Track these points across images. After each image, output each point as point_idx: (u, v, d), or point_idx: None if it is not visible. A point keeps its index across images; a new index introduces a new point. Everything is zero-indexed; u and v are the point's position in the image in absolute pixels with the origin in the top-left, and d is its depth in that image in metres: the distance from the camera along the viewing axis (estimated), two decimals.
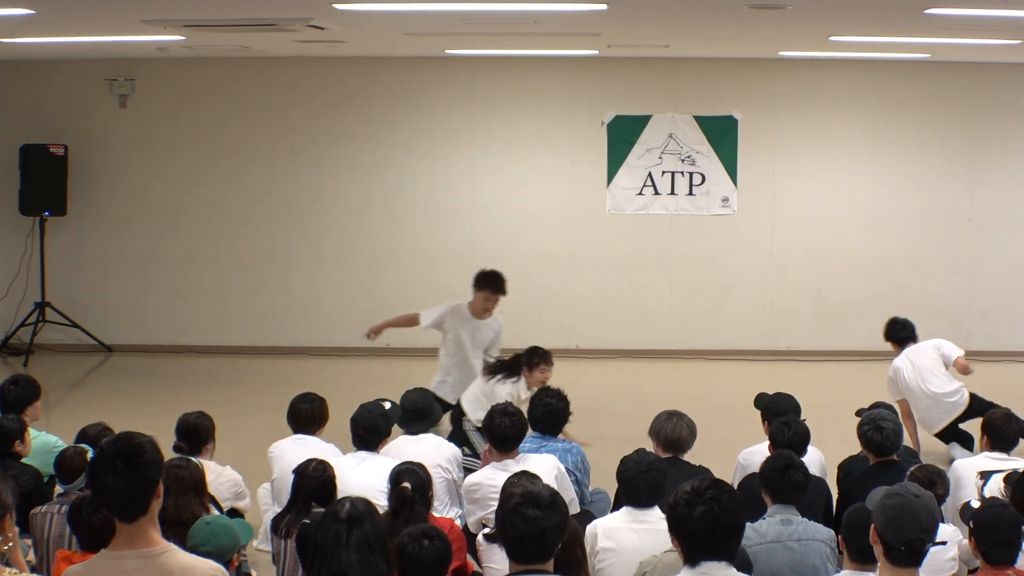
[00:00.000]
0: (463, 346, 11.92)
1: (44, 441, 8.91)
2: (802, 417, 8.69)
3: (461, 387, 11.73)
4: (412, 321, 12.25)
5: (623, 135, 17.13)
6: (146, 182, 17.46)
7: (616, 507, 7.64)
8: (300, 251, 17.48)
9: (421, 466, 7.42)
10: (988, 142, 17.14)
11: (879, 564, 5.29)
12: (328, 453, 8.55)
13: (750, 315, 17.42)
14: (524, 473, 6.33)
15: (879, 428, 8.23)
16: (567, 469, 8.42)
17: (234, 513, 8.32)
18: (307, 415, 9.16)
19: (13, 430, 8.38)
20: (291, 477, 7.72)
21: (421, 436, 9.21)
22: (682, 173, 17.19)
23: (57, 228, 17.26)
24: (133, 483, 4.55)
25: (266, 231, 17.47)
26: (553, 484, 6.64)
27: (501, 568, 6.39)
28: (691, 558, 5.18)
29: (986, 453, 8.55)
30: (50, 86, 17.44)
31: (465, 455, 9.77)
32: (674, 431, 8.46)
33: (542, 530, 5.11)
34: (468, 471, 9.01)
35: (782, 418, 8.40)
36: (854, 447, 8.74)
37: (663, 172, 17.18)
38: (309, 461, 7.71)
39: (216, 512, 7.47)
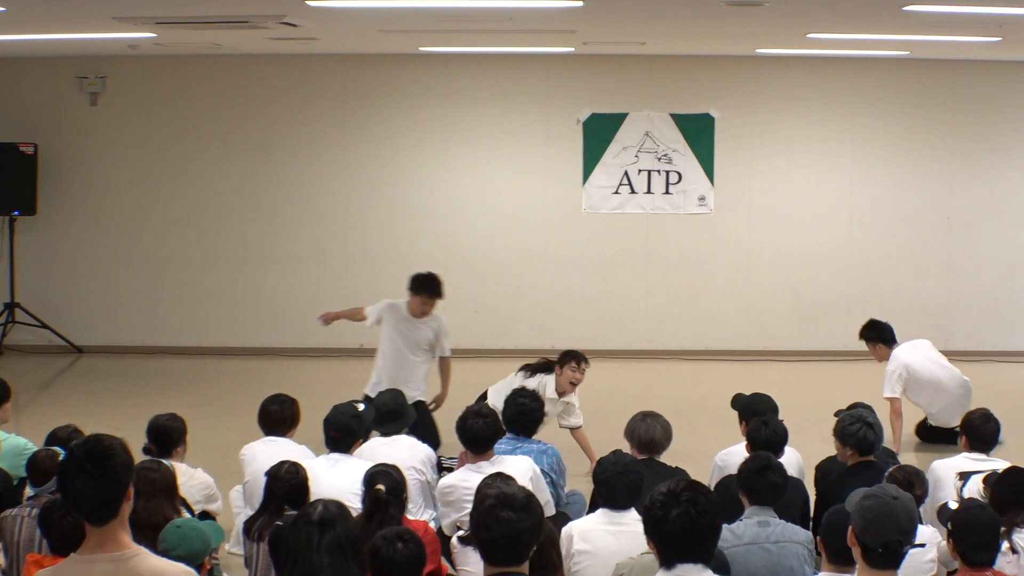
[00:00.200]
0: (398, 345, 11.77)
1: (14, 444, 8.81)
2: (779, 418, 8.64)
3: (392, 385, 11.62)
4: (358, 314, 12.14)
5: (599, 133, 17.08)
6: (117, 181, 17.36)
7: (592, 509, 7.59)
8: (273, 251, 17.40)
9: (395, 468, 7.36)
10: (967, 140, 17.14)
11: (857, 566, 5.24)
12: (300, 455, 8.49)
13: (727, 315, 17.39)
14: (499, 475, 6.34)
15: (869, 424, 8.22)
16: (542, 471, 8.39)
17: (206, 516, 8.25)
18: (277, 416, 9.07)
19: None
20: (263, 479, 7.64)
21: (394, 438, 9.14)
22: (658, 172, 17.14)
23: (27, 228, 17.15)
24: (103, 486, 4.50)
25: (239, 231, 17.39)
26: (528, 486, 6.57)
27: (475, 571, 6.34)
28: (667, 560, 5.12)
29: (965, 454, 8.52)
30: (20, 84, 17.33)
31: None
32: (648, 432, 8.44)
33: (516, 532, 5.04)
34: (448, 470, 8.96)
35: (759, 417, 8.35)
36: (832, 448, 8.69)
37: (639, 171, 17.14)
38: (282, 463, 7.64)
39: (187, 515, 7.41)
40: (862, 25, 12.99)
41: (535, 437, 9.02)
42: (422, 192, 17.35)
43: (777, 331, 17.37)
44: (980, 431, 8.51)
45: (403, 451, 8.75)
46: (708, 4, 11.45)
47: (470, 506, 5.59)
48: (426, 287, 11.79)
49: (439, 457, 9.76)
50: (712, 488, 7.78)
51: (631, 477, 7.01)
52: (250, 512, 8.15)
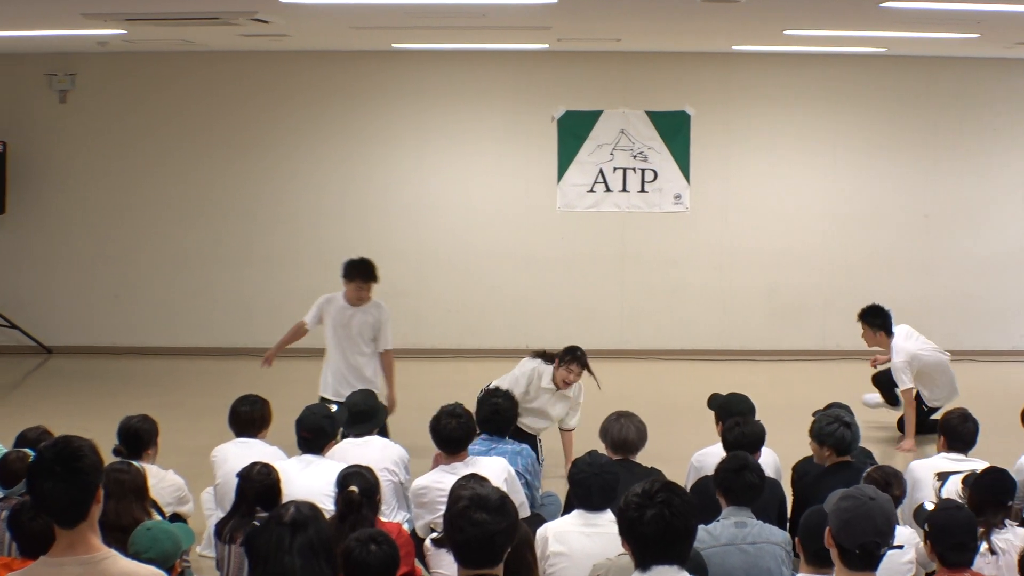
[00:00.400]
0: (340, 338, 11.67)
1: None
2: (756, 418, 8.60)
3: (341, 381, 11.56)
4: (300, 329, 11.99)
5: (574, 131, 17.03)
6: (87, 179, 17.26)
7: (567, 510, 7.54)
8: (245, 250, 17.32)
9: (369, 469, 7.33)
10: (945, 137, 17.13)
11: (835, 567, 5.21)
12: (272, 456, 8.45)
13: (703, 314, 17.35)
14: (473, 476, 6.34)
15: (847, 424, 8.20)
16: (517, 472, 8.36)
17: (176, 518, 8.23)
18: (248, 417, 9.03)
19: None
20: (235, 481, 7.61)
21: (367, 439, 9.10)
22: (634, 169, 17.10)
23: None
24: (72, 488, 4.46)
25: (210, 230, 17.31)
26: (503, 487, 6.57)
27: (449, 573, 6.31)
28: (642, 562, 5.09)
29: (943, 454, 8.52)
30: None
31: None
32: (621, 432, 8.42)
33: (490, 534, 5.00)
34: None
35: (736, 417, 8.32)
36: (809, 448, 8.64)
37: (614, 168, 17.09)
38: (253, 464, 7.61)
39: (158, 517, 7.37)
40: (839, 21, 12.96)
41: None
42: (396, 190, 17.28)
43: (754, 331, 17.35)
44: (958, 431, 8.50)
45: (376, 452, 8.70)
46: (684, 0, 11.40)
47: (444, 508, 5.54)
48: (358, 271, 11.67)
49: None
50: (689, 489, 7.80)
51: (607, 478, 6.99)
52: (222, 514, 8.09)
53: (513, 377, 11.14)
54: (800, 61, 16.87)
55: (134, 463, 7.62)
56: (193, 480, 9.03)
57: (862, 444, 8.89)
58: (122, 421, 8.59)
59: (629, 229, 17.23)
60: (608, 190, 17.15)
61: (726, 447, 7.99)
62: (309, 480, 7.97)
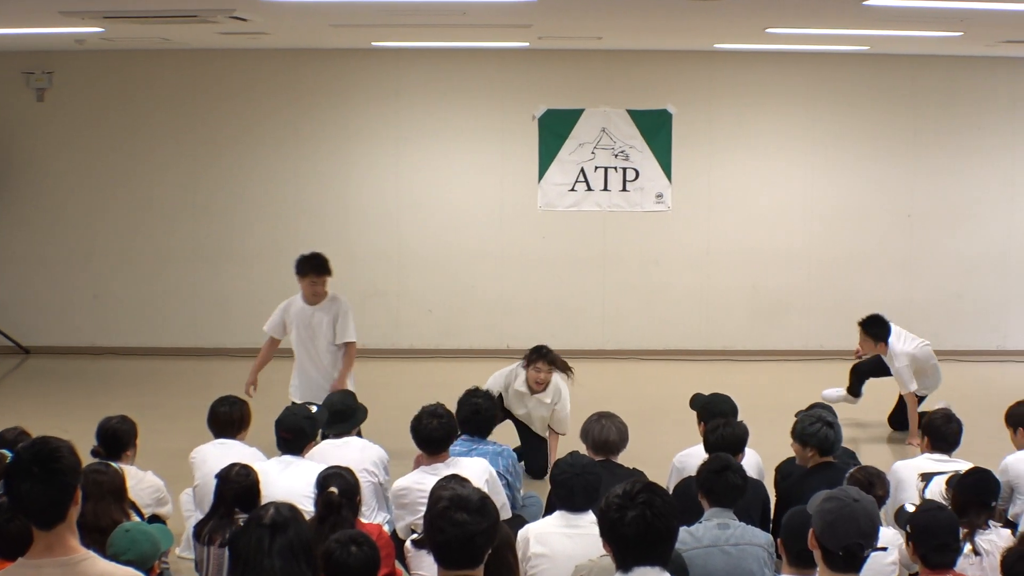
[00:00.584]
0: (302, 338, 11.62)
1: None
2: (739, 418, 8.57)
3: (309, 385, 11.54)
4: (272, 344, 11.90)
5: (555, 129, 16.99)
6: (65, 178, 17.18)
7: (548, 511, 7.50)
8: (225, 250, 17.27)
9: (349, 470, 7.33)
10: (928, 136, 17.14)
11: (818, 569, 5.22)
12: (251, 457, 8.44)
13: (685, 314, 17.33)
14: (454, 476, 6.35)
15: (829, 424, 8.18)
16: (498, 472, 8.33)
17: (155, 519, 8.17)
18: (226, 418, 9.01)
19: None
20: (214, 482, 7.61)
21: (345, 440, 9.07)
22: (615, 168, 17.07)
23: None
24: (50, 489, 4.45)
25: (189, 229, 17.25)
26: (484, 488, 6.57)
27: (430, 575, 6.21)
28: (623, 563, 5.08)
29: (927, 455, 8.51)
30: None
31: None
32: (602, 433, 8.39)
33: (471, 535, 4.97)
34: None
35: (718, 418, 8.29)
36: (792, 449, 8.61)
37: (596, 167, 17.06)
38: (232, 465, 7.61)
39: (137, 519, 7.35)
40: (822, 20, 12.96)
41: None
42: (375, 189, 17.24)
43: (736, 331, 17.34)
44: (942, 431, 8.49)
45: (355, 453, 8.67)
46: None
47: (425, 509, 5.48)
48: (310, 265, 11.62)
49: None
50: (671, 490, 7.78)
51: (589, 479, 6.96)
52: (201, 516, 8.09)
53: (494, 379, 11.12)
54: (783, 59, 16.86)
55: (112, 464, 7.63)
56: (172, 481, 9.00)
57: (845, 444, 8.88)
58: (101, 422, 8.58)
59: (610, 228, 17.20)
60: (589, 189, 17.11)
61: (708, 448, 7.96)
62: (289, 481, 7.94)
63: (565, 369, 11.17)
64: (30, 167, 17.09)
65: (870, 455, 11.08)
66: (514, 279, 17.27)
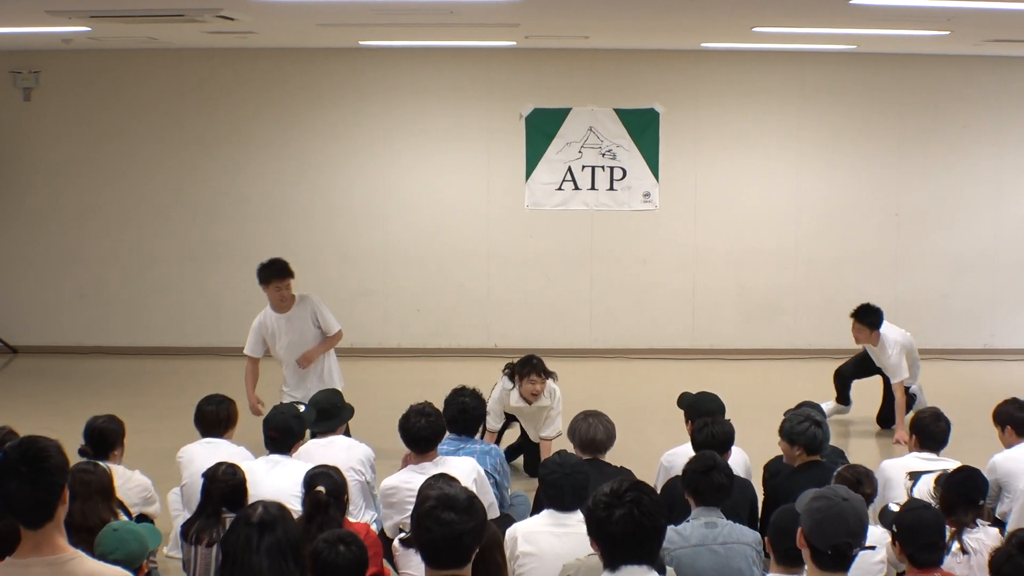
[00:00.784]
0: (292, 343, 11.60)
1: None
2: (727, 417, 8.56)
3: (304, 382, 11.54)
4: (255, 363, 11.79)
5: (542, 128, 16.98)
6: (52, 178, 17.15)
7: (536, 510, 7.49)
8: (212, 249, 17.24)
9: (336, 469, 7.31)
10: (915, 135, 17.14)
11: (806, 567, 5.22)
12: (238, 456, 8.43)
13: (673, 313, 17.33)
14: (441, 476, 6.35)
15: (818, 423, 8.17)
16: (486, 472, 8.31)
17: (143, 519, 8.15)
18: (213, 417, 8.99)
19: None
20: (201, 481, 7.57)
21: (331, 439, 9.06)
22: (603, 167, 17.06)
23: None
24: (38, 488, 4.45)
25: (177, 228, 17.22)
26: (472, 487, 6.56)
27: (418, 574, 6.25)
28: (611, 562, 5.10)
29: (915, 453, 8.50)
30: None
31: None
32: (589, 432, 8.36)
33: (458, 534, 4.97)
34: None
35: (705, 417, 8.27)
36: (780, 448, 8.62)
37: (583, 166, 17.05)
38: (219, 464, 7.60)
39: (124, 518, 7.36)
40: (808, 19, 12.96)
41: None
42: (363, 189, 17.22)
43: (724, 329, 17.34)
44: (930, 430, 8.49)
45: (341, 452, 8.67)
46: None
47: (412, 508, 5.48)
48: (272, 271, 11.59)
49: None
50: (659, 489, 7.76)
51: (579, 478, 6.94)
52: (188, 515, 8.05)
53: (492, 409, 10.95)
54: (770, 59, 16.86)
55: (100, 463, 7.62)
56: (160, 481, 8.97)
57: (833, 443, 8.88)
58: (88, 421, 8.57)
59: (598, 227, 17.19)
60: (577, 188, 17.10)
61: (695, 447, 7.95)
62: (277, 480, 7.93)
63: (552, 375, 11.11)
64: (17, 167, 17.05)
65: (858, 453, 11.09)
66: (502, 278, 17.26)
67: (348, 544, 5.77)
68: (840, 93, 17.07)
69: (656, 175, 17.10)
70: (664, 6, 11.76)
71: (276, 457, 8.32)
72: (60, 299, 17.26)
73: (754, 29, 13.90)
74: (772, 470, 8.65)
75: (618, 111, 16.97)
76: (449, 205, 17.19)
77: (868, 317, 12.75)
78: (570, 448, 8.16)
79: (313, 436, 9.16)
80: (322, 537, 5.87)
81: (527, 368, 10.93)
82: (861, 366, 13.11)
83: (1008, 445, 8.78)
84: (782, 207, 17.23)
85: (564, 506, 6.87)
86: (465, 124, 17.13)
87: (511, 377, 11.01)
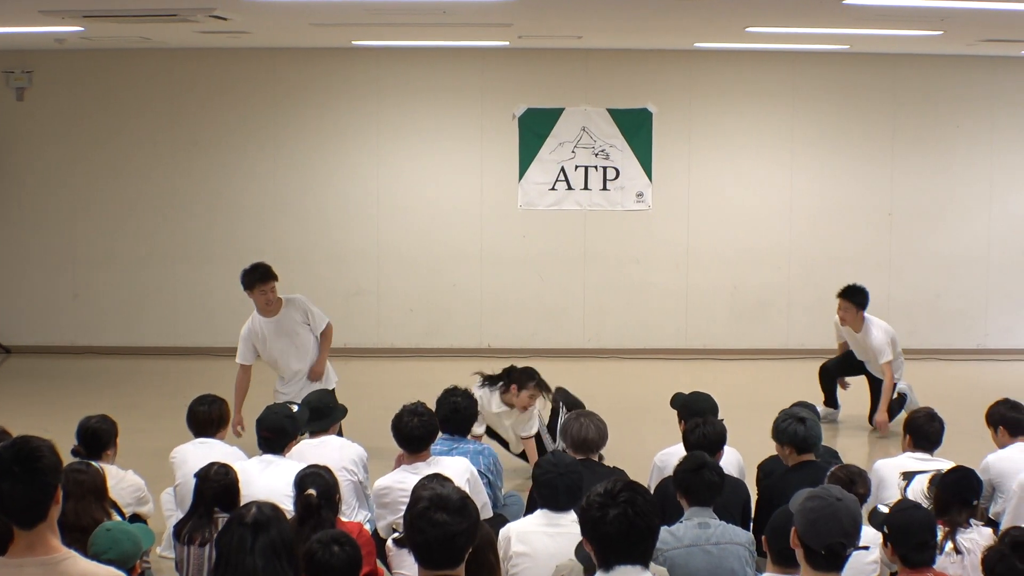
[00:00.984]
0: (286, 346, 11.56)
1: None
2: (719, 417, 8.55)
3: (297, 381, 11.53)
4: (246, 372, 11.73)
5: (535, 128, 16.97)
6: (45, 177, 17.13)
7: (529, 510, 7.48)
8: (205, 249, 17.21)
9: (327, 469, 7.29)
10: (908, 135, 17.14)
11: (800, 568, 5.21)
12: (232, 456, 8.44)
13: (666, 313, 17.33)
14: (434, 476, 6.33)
15: (800, 420, 8.12)
16: (479, 472, 8.30)
17: (136, 519, 8.18)
18: (205, 417, 8.99)
19: None
20: (194, 482, 7.54)
21: (323, 439, 9.07)
22: (596, 167, 17.05)
23: None
24: (31, 488, 4.45)
25: (170, 228, 17.20)
26: (465, 487, 6.55)
27: (411, 574, 6.24)
28: (605, 562, 5.10)
29: (909, 453, 8.51)
30: None
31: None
32: (581, 432, 8.37)
33: (451, 535, 4.98)
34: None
35: (697, 417, 8.26)
36: (773, 447, 8.61)
37: (576, 166, 17.04)
38: (211, 465, 7.58)
39: (118, 518, 7.35)
40: (802, 19, 12.96)
41: None
42: (356, 188, 17.20)
43: (717, 329, 17.34)
44: (924, 430, 8.49)
45: (334, 452, 8.66)
46: None
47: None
48: (257, 275, 11.50)
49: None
50: (652, 489, 7.75)
51: (572, 478, 6.93)
52: (181, 515, 8.03)
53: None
54: (763, 59, 16.86)
55: (93, 463, 7.60)
56: (153, 481, 8.97)
57: (827, 444, 8.88)
58: (81, 421, 8.55)
59: (591, 227, 17.18)
60: (570, 188, 17.10)
61: (688, 447, 7.93)
62: (270, 480, 7.92)
63: (546, 389, 11.08)
64: (10, 167, 17.02)
65: (851, 453, 11.11)
66: (495, 278, 17.25)
67: (342, 544, 5.77)
68: (833, 93, 17.07)
69: (649, 175, 17.10)
70: (657, 6, 11.75)
71: (269, 457, 8.29)
72: (53, 299, 17.24)
73: (747, 29, 13.90)
74: (766, 470, 8.65)
75: (611, 111, 16.97)
76: (442, 205, 17.17)
77: (856, 297, 12.85)
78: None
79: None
80: (316, 538, 5.87)
81: (533, 383, 10.87)
82: (846, 362, 13.18)
83: (1001, 445, 8.78)
84: (775, 207, 17.22)
85: (558, 506, 6.86)
86: (458, 124, 17.12)
87: (496, 381, 10.98)
